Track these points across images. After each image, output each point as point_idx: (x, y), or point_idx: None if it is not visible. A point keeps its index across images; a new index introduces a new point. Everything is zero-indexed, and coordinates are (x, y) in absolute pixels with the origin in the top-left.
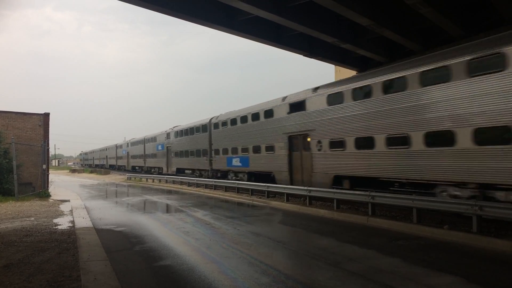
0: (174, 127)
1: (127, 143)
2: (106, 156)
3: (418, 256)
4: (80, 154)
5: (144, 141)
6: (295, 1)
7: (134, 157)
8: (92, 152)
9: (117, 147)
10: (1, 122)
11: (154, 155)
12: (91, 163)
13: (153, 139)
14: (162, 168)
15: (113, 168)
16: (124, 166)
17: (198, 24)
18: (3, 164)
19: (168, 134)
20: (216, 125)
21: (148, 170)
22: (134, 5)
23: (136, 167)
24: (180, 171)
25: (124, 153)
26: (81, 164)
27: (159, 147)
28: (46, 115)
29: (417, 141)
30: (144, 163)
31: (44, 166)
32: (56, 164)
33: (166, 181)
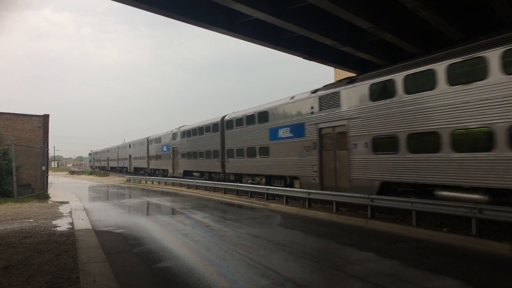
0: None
1: (172, 134)
2: (129, 155)
3: (417, 259)
4: (90, 154)
5: (219, 126)
6: (294, 3)
7: (187, 155)
8: (106, 151)
9: (150, 141)
10: (1, 124)
11: (247, 152)
12: (104, 165)
13: (246, 119)
14: (290, 178)
15: (137, 171)
16: (166, 170)
17: (198, 26)
18: (2, 166)
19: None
20: None
21: (220, 178)
22: (134, 7)
23: (194, 172)
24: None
25: (165, 150)
26: (90, 167)
27: (280, 133)
28: (46, 117)
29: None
30: (222, 166)
31: (44, 168)
32: (56, 166)
33: (166, 183)
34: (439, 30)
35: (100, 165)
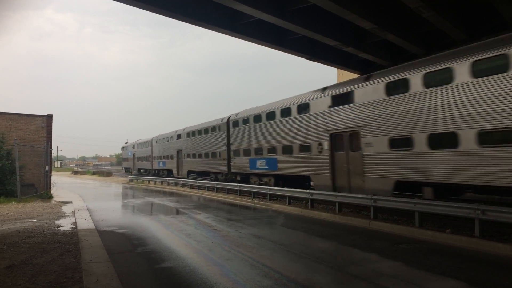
0: None
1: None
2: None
3: (420, 260)
4: (123, 148)
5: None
6: (297, 4)
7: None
8: (167, 139)
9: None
10: (4, 124)
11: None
12: (166, 168)
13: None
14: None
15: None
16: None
17: (201, 26)
18: (5, 166)
19: None
20: None
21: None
22: (136, 8)
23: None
24: None
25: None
26: (124, 169)
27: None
28: (49, 117)
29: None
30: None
31: (47, 168)
32: (59, 166)
33: (168, 183)
34: (442, 31)
35: (151, 167)
